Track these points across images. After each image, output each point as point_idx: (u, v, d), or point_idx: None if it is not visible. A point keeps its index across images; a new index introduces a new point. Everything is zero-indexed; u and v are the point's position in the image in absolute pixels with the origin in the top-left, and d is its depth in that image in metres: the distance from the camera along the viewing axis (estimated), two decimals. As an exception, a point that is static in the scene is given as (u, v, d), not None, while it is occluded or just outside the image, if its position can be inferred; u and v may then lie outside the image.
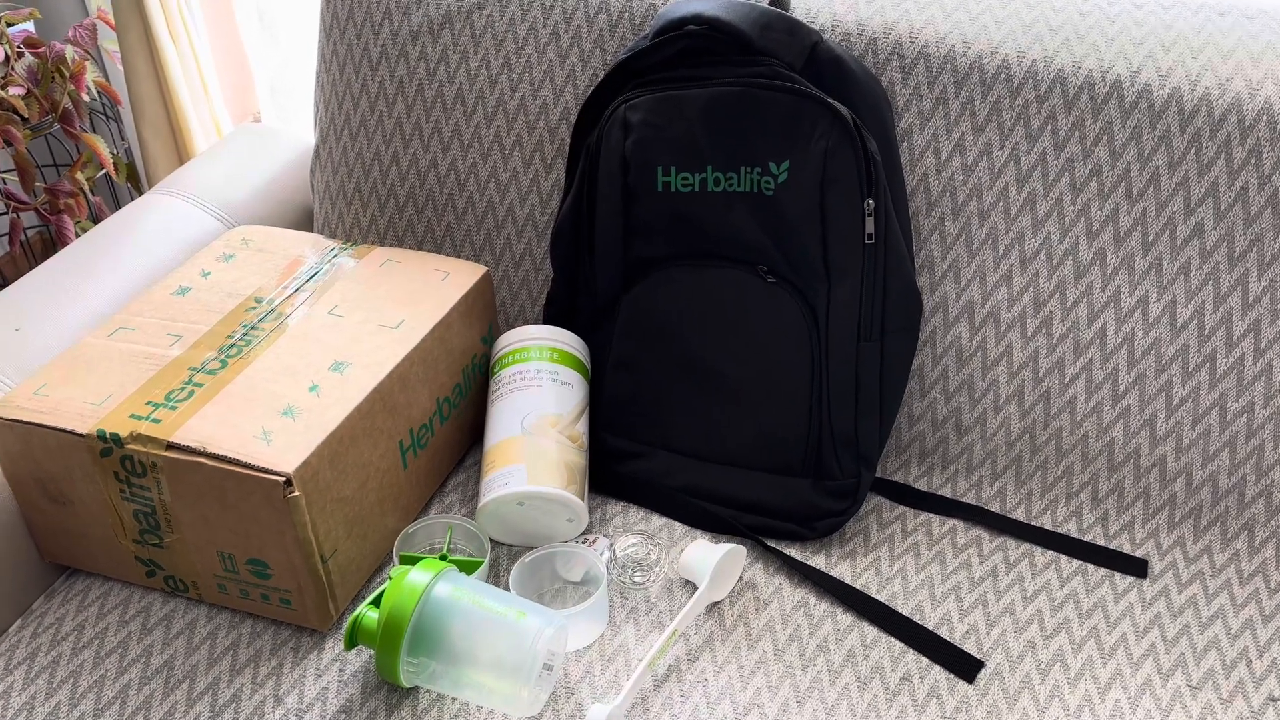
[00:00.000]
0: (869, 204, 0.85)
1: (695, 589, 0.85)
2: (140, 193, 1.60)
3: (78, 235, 1.42)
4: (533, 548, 0.89)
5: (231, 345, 0.84)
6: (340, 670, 0.78)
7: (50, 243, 1.64)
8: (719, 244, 0.90)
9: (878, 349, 0.88)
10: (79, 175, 1.41)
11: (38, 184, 1.44)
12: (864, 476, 0.89)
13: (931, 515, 0.93)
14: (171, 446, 0.75)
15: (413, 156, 1.04)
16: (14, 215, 1.39)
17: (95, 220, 1.53)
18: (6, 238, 1.59)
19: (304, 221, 1.15)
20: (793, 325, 0.89)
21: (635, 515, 0.92)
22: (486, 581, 0.86)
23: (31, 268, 1.29)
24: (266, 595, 0.80)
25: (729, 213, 0.89)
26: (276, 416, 0.77)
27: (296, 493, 0.73)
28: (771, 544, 0.89)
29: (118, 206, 1.67)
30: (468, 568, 0.85)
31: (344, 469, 0.78)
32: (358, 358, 0.83)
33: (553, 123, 0.99)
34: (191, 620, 0.82)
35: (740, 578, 0.86)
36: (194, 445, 0.74)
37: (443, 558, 0.85)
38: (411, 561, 0.85)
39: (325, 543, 0.78)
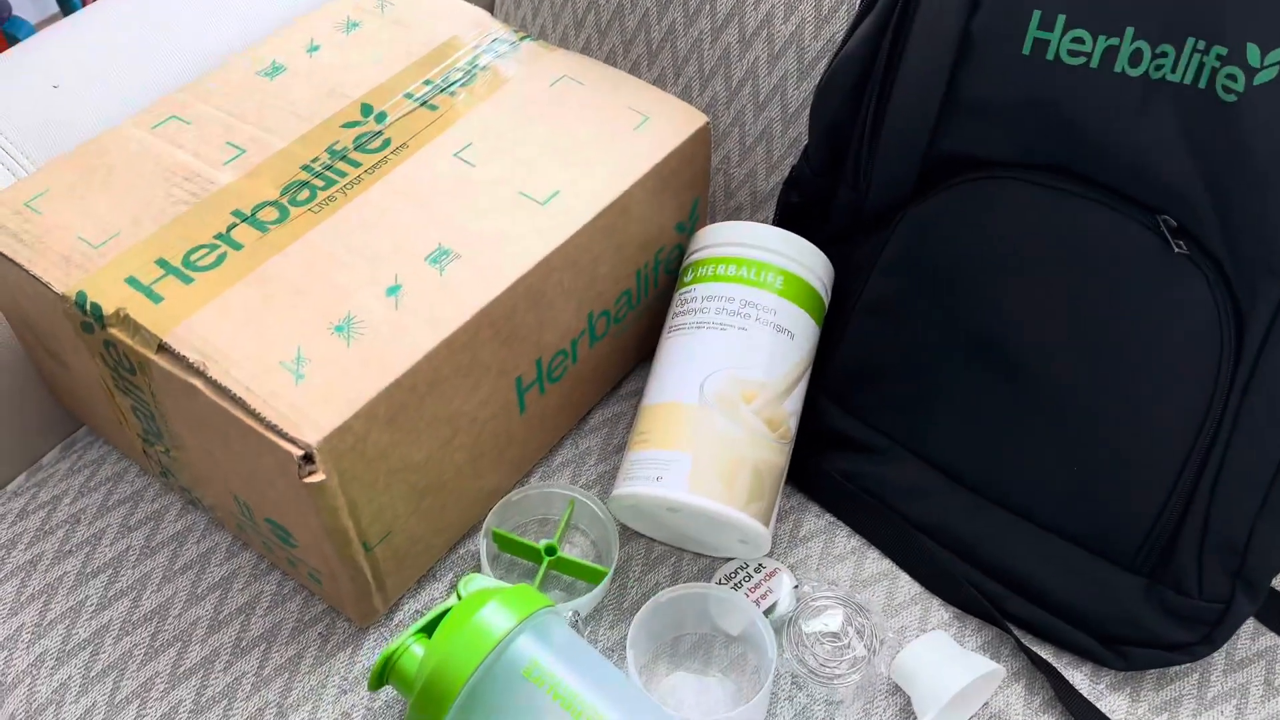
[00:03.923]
0: None
1: (909, 704, 0.55)
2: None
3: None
4: (678, 551, 0.61)
5: (304, 184, 0.56)
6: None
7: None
8: (1105, 163, 0.52)
9: (1340, 420, 0.50)
10: None
11: None
12: (1238, 606, 0.54)
13: (1318, 665, 0.57)
14: (163, 349, 0.49)
15: (638, -91, 0.67)
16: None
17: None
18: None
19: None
20: (1195, 332, 0.51)
21: (846, 543, 0.61)
22: (610, 587, 0.59)
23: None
24: (293, 561, 0.56)
25: (1142, 115, 0.50)
26: (325, 331, 0.50)
27: (320, 476, 0.46)
28: (1047, 657, 0.57)
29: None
30: (583, 573, 0.58)
31: (414, 426, 0.51)
32: (472, 246, 0.53)
33: (864, -109, 0.60)
34: (206, 552, 0.60)
35: (986, 704, 0.55)
36: (191, 358, 0.48)
37: (550, 551, 0.58)
38: (506, 544, 0.59)
39: (372, 527, 0.52)
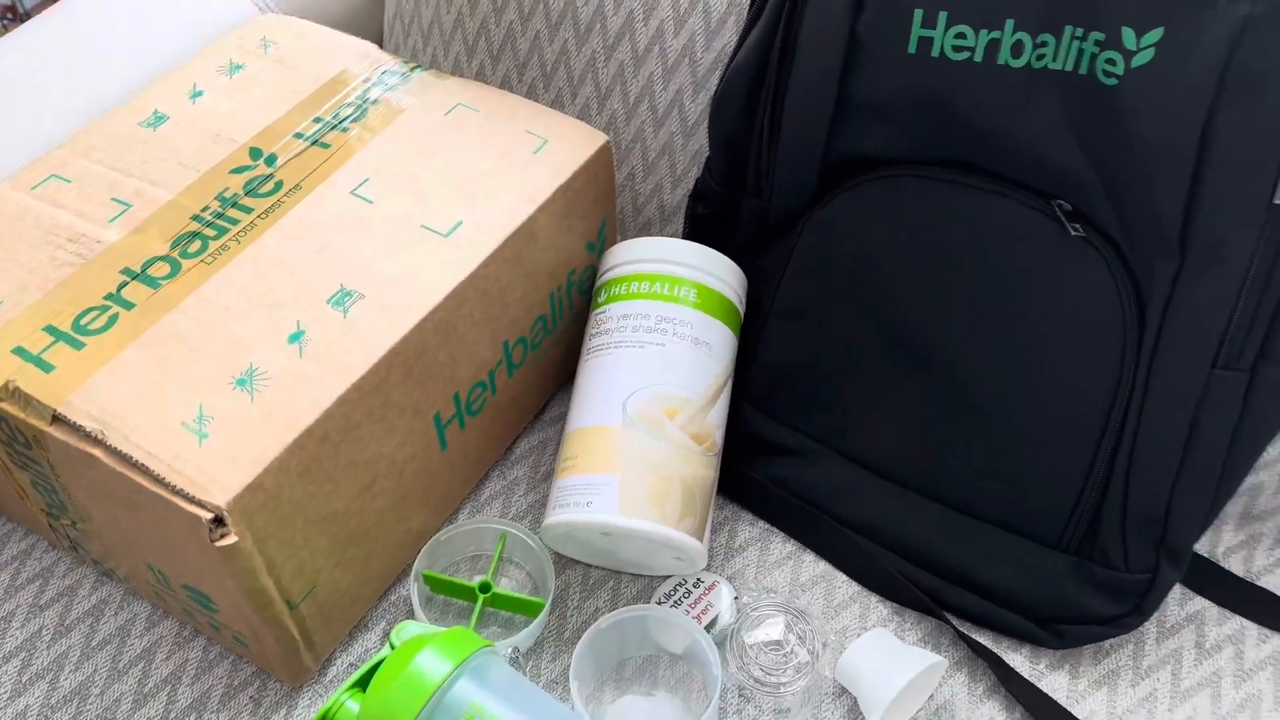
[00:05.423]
0: (1303, 136, 0.46)
1: (857, 705, 0.55)
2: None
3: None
4: (615, 574, 0.60)
5: (195, 235, 0.54)
6: (313, 749, 0.53)
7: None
8: (998, 154, 0.53)
9: (1243, 384, 0.51)
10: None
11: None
12: (1164, 576, 0.55)
13: (1246, 622, 0.59)
14: (58, 420, 0.47)
15: (520, -68, 0.67)
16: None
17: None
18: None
19: (373, 11, 0.81)
20: (1097, 312, 0.52)
21: (781, 548, 0.61)
22: (550, 618, 0.58)
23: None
24: (216, 626, 0.54)
25: (1028, 104, 0.51)
26: (226, 386, 0.48)
27: (233, 538, 0.45)
28: (986, 644, 0.57)
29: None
30: (521, 607, 0.57)
31: (330, 476, 0.49)
32: (375, 285, 0.52)
33: (742, -99, 0.60)
34: (125, 624, 0.57)
35: (931, 696, 0.56)
36: (88, 427, 0.46)
37: (484, 588, 0.57)
38: (438, 586, 0.58)
39: (294, 584, 0.50)
